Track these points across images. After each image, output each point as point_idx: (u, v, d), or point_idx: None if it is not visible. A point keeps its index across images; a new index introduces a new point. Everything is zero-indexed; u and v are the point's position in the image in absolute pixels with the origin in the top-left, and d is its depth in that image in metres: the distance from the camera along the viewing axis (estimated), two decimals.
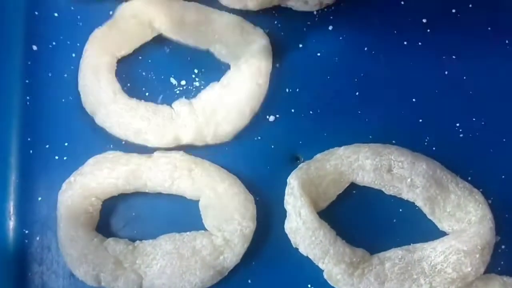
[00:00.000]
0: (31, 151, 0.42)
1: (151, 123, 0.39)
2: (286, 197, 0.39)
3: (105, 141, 0.41)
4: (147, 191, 0.40)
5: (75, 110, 0.42)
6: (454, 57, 0.42)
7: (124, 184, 0.39)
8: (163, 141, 0.39)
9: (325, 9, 0.43)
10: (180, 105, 0.40)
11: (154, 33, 0.41)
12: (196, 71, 0.42)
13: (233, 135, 0.40)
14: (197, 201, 0.40)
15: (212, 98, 0.39)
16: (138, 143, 0.40)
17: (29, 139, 0.42)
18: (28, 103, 0.42)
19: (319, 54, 0.43)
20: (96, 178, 0.39)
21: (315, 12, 0.43)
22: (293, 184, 0.38)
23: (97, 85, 0.40)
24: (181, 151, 0.40)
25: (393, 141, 0.41)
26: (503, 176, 0.41)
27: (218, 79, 0.41)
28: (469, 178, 0.40)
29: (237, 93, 0.39)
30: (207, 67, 0.42)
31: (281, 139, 0.41)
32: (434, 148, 0.41)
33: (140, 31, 0.41)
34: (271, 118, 0.41)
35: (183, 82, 0.42)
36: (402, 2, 0.43)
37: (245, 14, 0.42)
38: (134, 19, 0.41)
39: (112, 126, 0.39)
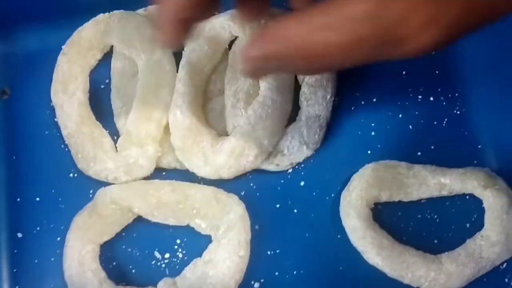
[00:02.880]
0: None
1: None
2: None
3: None
4: None
5: None
6: None
7: None
8: None
9: (296, 166, 0.45)
10: (165, 286, 0.41)
11: (134, 216, 0.43)
12: (178, 241, 0.43)
13: None
14: None
15: (196, 276, 0.41)
16: None
17: None
18: None
19: (295, 211, 0.44)
20: None
21: (287, 170, 0.45)
22: None
23: (83, 277, 0.41)
24: None
25: None
26: None
27: (199, 246, 0.42)
28: None
29: (220, 269, 0.40)
30: (188, 236, 0.43)
31: None
32: None
33: (120, 216, 0.42)
34: (256, 285, 0.42)
35: (167, 255, 0.43)
36: (367, 152, 0.45)
37: (220, 180, 0.44)
38: (113, 205, 0.42)
39: None
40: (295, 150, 0.44)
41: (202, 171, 0.43)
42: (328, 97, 0.44)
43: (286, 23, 0.28)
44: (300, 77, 0.45)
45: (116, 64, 0.46)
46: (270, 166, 0.44)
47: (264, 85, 0.43)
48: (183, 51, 0.44)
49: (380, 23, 0.26)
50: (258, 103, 0.43)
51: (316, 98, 0.44)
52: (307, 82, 0.45)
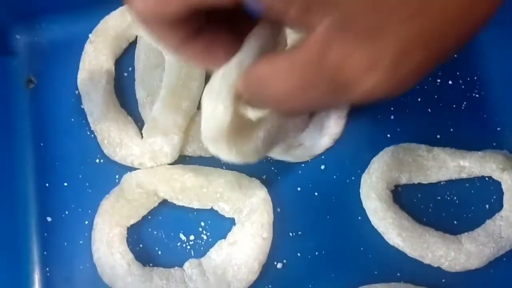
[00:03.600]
0: None
1: None
2: None
3: None
4: None
5: (93, 276, 0.44)
6: None
7: None
8: None
9: None
10: (191, 267, 0.42)
11: (159, 199, 0.44)
12: (202, 224, 0.45)
13: None
14: None
15: (221, 258, 0.42)
16: None
17: None
18: (48, 274, 0.44)
19: (316, 194, 0.45)
20: None
21: None
22: None
23: (112, 258, 0.42)
24: None
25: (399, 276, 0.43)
26: None
27: (223, 228, 0.44)
28: None
29: (244, 250, 0.41)
30: (212, 219, 0.45)
31: (291, 284, 0.43)
32: None
33: (145, 199, 0.43)
34: (279, 265, 0.43)
35: (191, 237, 0.44)
36: (387, 136, 0.46)
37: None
38: (139, 189, 0.43)
39: None
40: (316, 141, 0.44)
41: (229, 158, 0.43)
42: None
43: (260, 66, 0.30)
44: None
45: (140, 54, 0.46)
46: (290, 157, 0.45)
47: None
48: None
49: (322, 69, 0.27)
50: None
51: None
52: None
